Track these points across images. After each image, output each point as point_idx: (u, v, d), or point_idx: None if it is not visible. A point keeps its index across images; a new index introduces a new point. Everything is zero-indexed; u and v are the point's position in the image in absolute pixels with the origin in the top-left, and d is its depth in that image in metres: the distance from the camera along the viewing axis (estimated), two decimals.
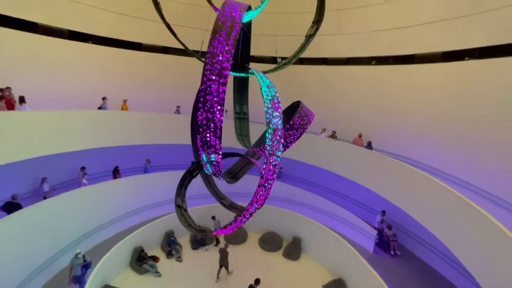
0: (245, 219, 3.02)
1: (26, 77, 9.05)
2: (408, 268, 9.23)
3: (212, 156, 2.61)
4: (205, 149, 2.61)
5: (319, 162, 11.25)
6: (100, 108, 10.39)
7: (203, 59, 2.84)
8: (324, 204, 11.44)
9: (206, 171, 3.06)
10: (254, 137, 4.88)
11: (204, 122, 2.49)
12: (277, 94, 3.08)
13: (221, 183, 4.87)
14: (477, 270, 5.69)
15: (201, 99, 2.47)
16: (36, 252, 7.43)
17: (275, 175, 2.92)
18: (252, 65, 4.00)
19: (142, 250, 8.92)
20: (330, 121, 11.66)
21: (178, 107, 12.11)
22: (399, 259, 9.69)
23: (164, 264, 9.17)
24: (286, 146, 3.84)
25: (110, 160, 10.99)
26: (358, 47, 11.86)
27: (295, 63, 4.29)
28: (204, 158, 2.64)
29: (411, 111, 10.02)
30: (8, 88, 7.68)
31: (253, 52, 4.35)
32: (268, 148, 2.76)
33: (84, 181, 9.47)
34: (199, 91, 4.13)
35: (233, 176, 4.76)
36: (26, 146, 7.60)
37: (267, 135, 2.78)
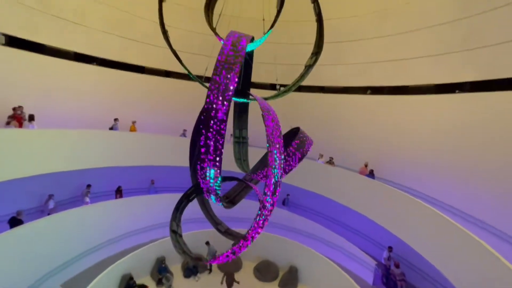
0: (244, 248, 2.92)
1: (35, 97, 9.26)
2: None
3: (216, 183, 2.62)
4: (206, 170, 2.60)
5: (319, 189, 11.12)
6: (111, 128, 10.67)
7: (207, 85, 2.94)
8: (321, 232, 11.14)
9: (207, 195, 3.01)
10: (252, 162, 4.88)
11: (205, 148, 2.51)
12: (277, 117, 3.15)
13: (216, 208, 4.77)
14: None
15: (203, 124, 2.51)
16: (17, 277, 6.99)
17: (275, 199, 2.89)
18: (252, 91, 4.13)
19: (131, 278, 8.45)
20: (327, 148, 11.74)
21: (184, 130, 12.28)
22: None
23: None
24: (285, 172, 3.83)
25: (116, 179, 11.07)
26: (354, 77, 12.34)
27: (293, 91, 4.43)
28: (212, 174, 2.60)
29: (405, 140, 10.21)
30: (20, 107, 8.03)
31: (253, 78, 4.50)
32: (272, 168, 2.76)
33: (87, 199, 9.44)
34: (200, 115, 4.20)
35: (230, 200, 4.68)
36: (35, 163, 7.88)
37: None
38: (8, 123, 7.48)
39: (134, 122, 11.43)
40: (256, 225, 2.88)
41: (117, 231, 9.90)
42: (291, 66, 11.89)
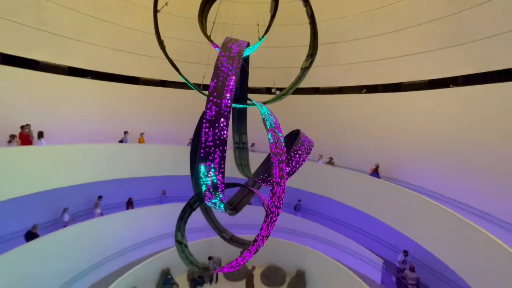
0: (251, 254, 2.89)
1: (32, 114, 9.22)
2: None
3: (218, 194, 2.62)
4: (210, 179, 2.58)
5: (323, 191, 11.07)
6: (121, 141, 10.88)
7: (205, 92, 2.93)
8: (326, 233, 11.05)
9: (210, 203, 2.98)
10: (253, 167, 4.86)
11: (208, 152, 2.50)
12: (278, 121, 3.16)
13: (219, 215, 4.72)
14: None
15: (205, 130, 2.50)
16: None
17: (281, 203, 2.87)
18: (248, 96, 4.14)
19: None
20: (326, 148, 11.75)
21: (191, 139, 12.16)
22: None
23: None
24: (288, 174, 3.81)
25: (128, 191, 11.34)
26: (348, 77, 12.44)
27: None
28: (214, 177, 2.60)
29: (403, 136, 10.26)
30: (28, 125, 8.25)
31: (248, 83, 4.50)
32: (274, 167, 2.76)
33: (98, 211, 9.64)
34: (200, 123, 4.19)
35: (233, 207, 4.63)
36: (47, 178, 8.14)
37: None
38: (9, 142, 7.60)
39: (142, 134, 11.66)
40: (259, 238, 2.86)
41: (121, 244, 9.77)
42: (285, 69, 12.02)
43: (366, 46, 11.63)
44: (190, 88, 4.18)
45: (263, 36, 3.55)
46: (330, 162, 11.61)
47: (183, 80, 3.68)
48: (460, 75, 9.02)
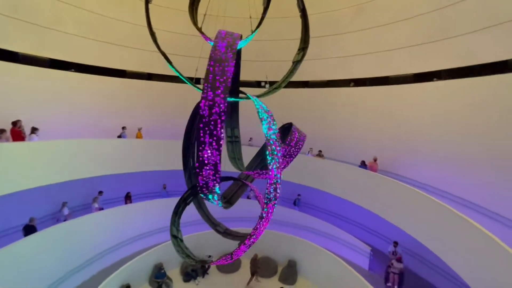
0: (251, 243, 2.96)
1: (14, 107, 8.90)
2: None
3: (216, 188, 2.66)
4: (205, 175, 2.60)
5: (315, 183, 11.27)
6: (119, 136, 10.90)
7: (199, 86, 2.91)
8: (317, 224, 11.33)
9: (204, 195, 3.01)
10: (246, 160, 4.91)
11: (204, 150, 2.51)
12: (271, 113, 3.21)
13: (212, 209, 4.76)
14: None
15: (201, 128, 2.50)
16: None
17: (277, 194, 2.94)
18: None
19: (128, 287, 8.27)
20: (315, 141, 11.92)
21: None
22: None
23: None
24: (282, 167, 3.87)
25: (127, 185, 11.44)
26: (336, 70, 12.59)
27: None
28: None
29: (391, 128, 10.57)
30: (19, 121, 8.11)
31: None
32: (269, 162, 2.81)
33: (96, 205, 9.70)
34: (193, 117, 4.16)
35: (227, 200, 4.68)
36: (46, 172, 8.29)
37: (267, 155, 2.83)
38: None
39: (140, 129, 11.66)
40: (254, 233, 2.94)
41: (113, 239, 9.66)
42: (274, 63, 12.01)
43: (353, 40, 11.78)
44: (180, 81, 4.13)
45: (255, 29, 3.54)
46: (320, 154, 11.83)
47: (176, 73, 3.63)
48: (445, 68, 9.33)
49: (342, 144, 12.05)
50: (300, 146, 4.20)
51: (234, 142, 4.97)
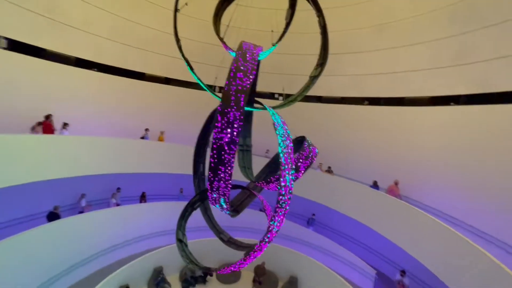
0: (257, 254, 2.93)
1: (39, 102, 9.37)
2: None
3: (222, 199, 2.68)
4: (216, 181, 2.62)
5: (322, 199, 11.09)
6: (142, 138, 11.42)
7: (218, 94, 2.97)
8: (320, 241, 11.04)
9: (212, 203, 3.02)
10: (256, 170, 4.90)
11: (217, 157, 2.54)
12: (287, 129, 3.22)
13: (217, 217, 4.74)
14: None
15: (215, 139, 2.55)
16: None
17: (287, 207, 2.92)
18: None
19: None
20: (325, 156, 11.79)
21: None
22: None
23: None
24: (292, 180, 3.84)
25: (146, 185, 11.73)
26: (351, 88, 12.58)
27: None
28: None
29: (403, 149, 10.38)
30: (50, 115, 8.75)
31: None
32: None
33: (114, 200, 10.12)
34: (208, 124, 4.23)
35: (234, 209, 4.66)
36: (70, 165, 8.99)
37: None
38: (33, 128, 8.14)
39: (162, 132, 12.00)
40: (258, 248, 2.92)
41: (112, 240, 9.66)
42: (288, 76, 12.13)
43: (370, 59, 11.80)
44: (198, 88, 4.22)
45: (276, 42, 3.62)
46: (329, 170, 11.68)
47: (196, 80, 3.72)
48: (462, 94, 9.19)
49: (353, 162, 11.88)
50: (311, 162, 4.16)
51: (245, 151, 4.99)
